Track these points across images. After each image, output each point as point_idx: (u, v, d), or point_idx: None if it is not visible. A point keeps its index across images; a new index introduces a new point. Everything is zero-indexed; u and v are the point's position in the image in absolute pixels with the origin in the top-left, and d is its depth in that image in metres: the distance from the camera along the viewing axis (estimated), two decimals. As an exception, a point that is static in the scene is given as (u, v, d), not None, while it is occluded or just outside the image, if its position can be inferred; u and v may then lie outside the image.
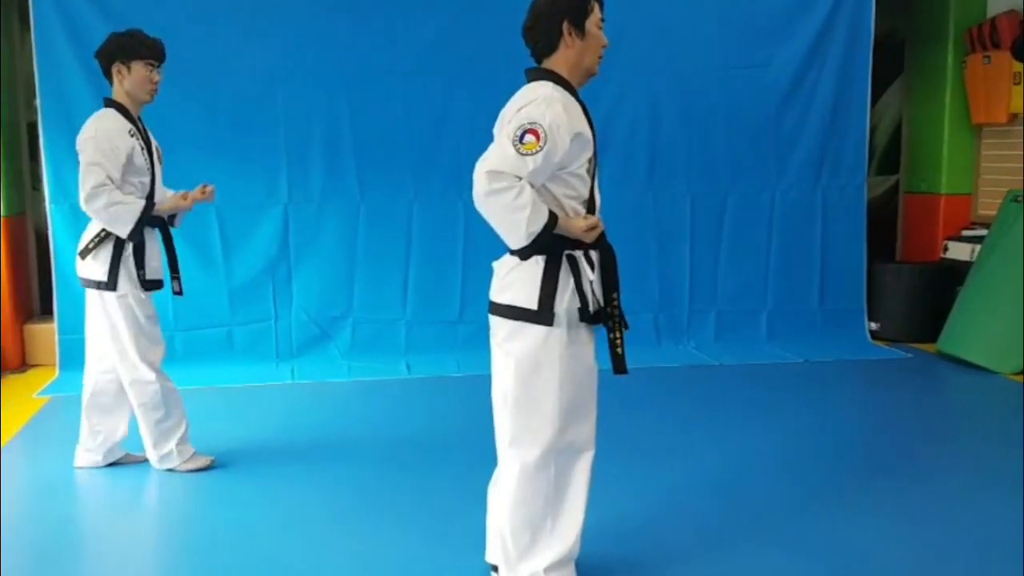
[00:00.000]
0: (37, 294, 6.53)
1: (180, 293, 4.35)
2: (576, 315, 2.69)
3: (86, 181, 3.83)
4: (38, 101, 5.85)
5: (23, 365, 6.17)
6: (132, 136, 3.97)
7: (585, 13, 2.72)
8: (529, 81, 2.77)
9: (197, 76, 5.95)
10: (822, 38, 6.60)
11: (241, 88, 6.05)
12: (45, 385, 5.69)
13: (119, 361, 4.07)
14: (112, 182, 3.85)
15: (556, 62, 2.74)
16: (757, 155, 6.66)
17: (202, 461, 4.22)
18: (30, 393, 5.54)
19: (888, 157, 7.63)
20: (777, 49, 6.57)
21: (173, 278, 4.31)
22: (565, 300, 2.67)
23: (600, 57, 2.78)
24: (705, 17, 6.47)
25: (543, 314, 2.63)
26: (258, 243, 6.19)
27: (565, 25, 2.70)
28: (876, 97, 7.09)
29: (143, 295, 4.07)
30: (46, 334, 6.16)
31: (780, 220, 6.72)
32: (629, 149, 6.44)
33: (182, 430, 4.17)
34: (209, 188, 4.16)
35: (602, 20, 2.77)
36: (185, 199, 4.10)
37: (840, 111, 6.71)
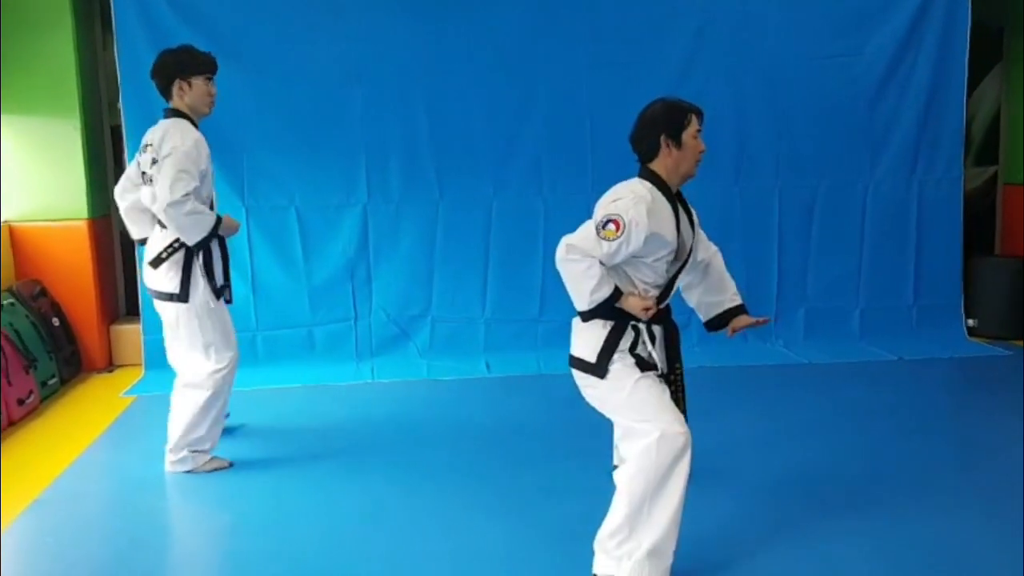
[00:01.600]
0: (123, 295, 6.62)
1: (230, 301, 4.40)
2: (629, 362, 2.99)
3: (175, 187, 3.86)
4: (121, 105, 5.92)
5: (109, 365, 6.24)
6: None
7: (682, 127, 2.99)
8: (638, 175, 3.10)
9: (276, 78, 5.98)
10: (917, 25, 6.33)
11: (320, 89, 6.03)
12: (131, 385, 5.75)
13: (184, 365, 4.17)
14: (194, 192, 3.93)
15: (657, 166, 3.03)
16: (848, 147, 6.42)
17: (218, 463, 4.24)
18: (116, 393, 5.60)
19: (986, 148, 7.30)
20: (869, 37, 6.32)
21: (224, 287, 4.36)
22: (620, 356, 3.00)
23: (698, 162, 3.05)
24: (793, 4, 6.25)
25: (598, 367, 3.00)
26: (338, 243, 6.18)
27: (663, 138, 2.98)
28: (973, 86, 6.79)
29: (213, 303, 4.14)
30: (131, 335, 6.23)
31: (873, 214, 6.47)
32: (714, 142, 6.06)
33: (207, 445, 4.19)
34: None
35: (699, 130, 3.02)
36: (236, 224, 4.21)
37: (936, 101, 6.44)
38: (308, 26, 6.00)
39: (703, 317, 3.44)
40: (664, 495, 2.89)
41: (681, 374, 3.13)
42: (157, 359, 5.87)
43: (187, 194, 3.87)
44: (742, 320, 3.35)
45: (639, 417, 2.94)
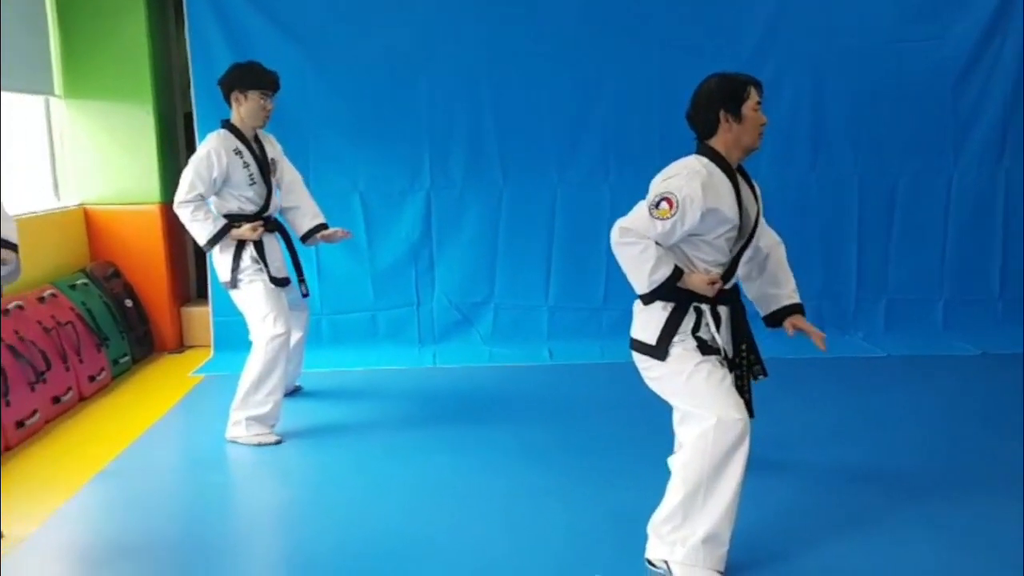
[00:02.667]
0: (194, 278, 6.72)
1: (306, 295, 4.74)
2: (691, 345, 2.92)
3: (178, 192, 4.36)
4: (192, 91, 5.99)
5: (181, 346, 6.34)
6: (237, 154, 4.35)
7: (741, 100, 2.90)
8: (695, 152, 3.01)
9: (342, 64, 6.00)
10: (1003, 7, 6.02)
11: (385, 75, 6.02)
12: (200, 365, 5.83)
13: (255, 329, 4.34)
14: (202, 198, 4.34)
15: (716, 142, 2.95)
16: (932, 135, 6.15)
17: (265, 437, 4.30)
18: (186, 372, 5.68)
19: (1078, 136, 6.94)
20: (953, 20, 6.04)
21: (300, 281, 4.71)
22: (683, 338, 2.93)
23: (760, 135, 2.95)
24: (874, -15, 6.02)
25: (659, 349, 2.94)
26: (401, 229, 6.17)
27: (722, 113, 2.90)
28: (1065, 70, 6.46)
29: (267, 287, 4.36)
30: (202, 316, 6.31)
31: (957, 203, 6.20)
32: (790, 129, 6.05)
33: (262, 411, 4.26)
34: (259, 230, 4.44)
35: (759, 102, 2.93)
36: (254, 231, 4.40)
37: (1024, 86, 6.14)
38: (374, 11, 5.98)
39: (761, 311, 3.31)
40: (720, 483, 2.80)
41: (750, 355, 3.04)
42: (226, 340, 6.00)
43: (184, 201, 4.31)
44: (801, 321, 3.20)
45: (696, 402, 2.86)
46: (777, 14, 5.99)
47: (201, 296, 6.58)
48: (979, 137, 6.16)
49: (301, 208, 4.69)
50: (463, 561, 3.11)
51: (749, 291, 3.33)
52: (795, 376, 5.30)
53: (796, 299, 3.26)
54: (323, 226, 4.68)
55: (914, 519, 3.34)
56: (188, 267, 6.68)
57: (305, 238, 4.70)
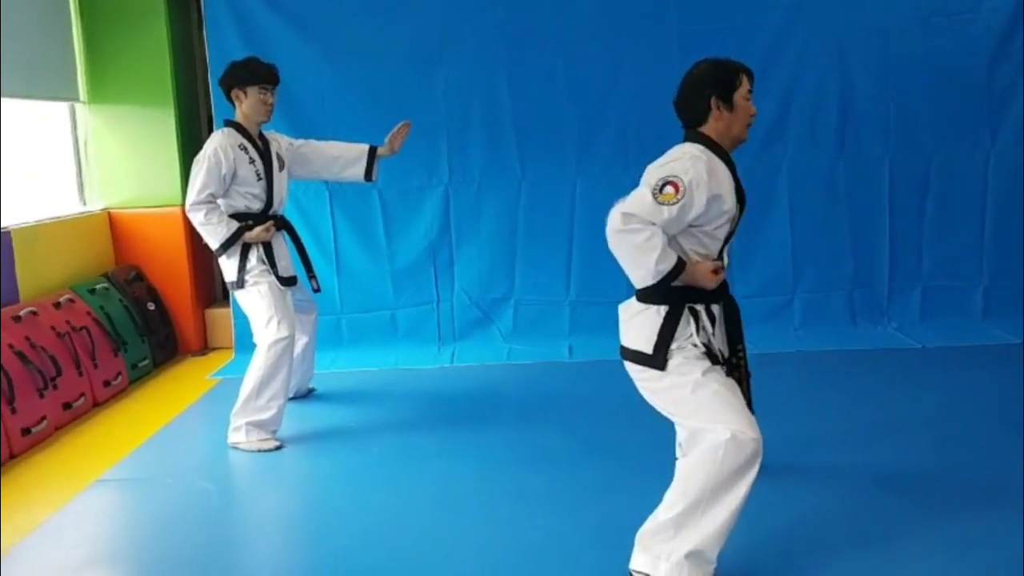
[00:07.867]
0: (218, 280, 6.73)
1: (318, 290, 4.77)
2: (692, 353, 2.74)
3: (190, 194, 4.28)
4: (211, 93, 5.99)
5: (204, 348, 6.37)
6: (242, 150, 4.31)
7: (733, 87, 2.80)
8: (683, 141, 2.87)
9: (359, 61, 5.96)
10: (1038, -22, 5.75)
11: (402, 70, 5.96)
12: (220, 367, 5.83)
13: (258, 332, 4.31)
14: (213, 198, 4.27)
15: (707, 131, 2.83)
16: (966, 114, 5.88)
17: (265, 444, 4.25)
18: (205, 375, 5.68)
19: None
20: (985, -7, 5.76)
21: (310, 277, 4.72)
22: (681, 345, 2.75)
23: (749, 125, 2.85)
24: (903, -42, 5.75)
25: (657, 358, 2.75)
26: (420, 225, 6.11)
27: (713, 100, 2.78)
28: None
29: (272, 288, 4.31)
30: (226, 319, 6.33)
31: (996, 185, 5.90)
32: (816, 110, 5.86)
33: (263, 416, 4.21)
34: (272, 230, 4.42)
35: (750, 91, 2.83)
36: (267, 232, 4.38)
37: (1065, 60, 5.82)
38: (390, 7, 5.94)
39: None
40: (721, 502, 2.62)
41: (744, 357, 2.88)
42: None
43: (197, 202, 4.23)
44: None
45: (706, 416, 2.67)
46: (800, -8, 5.79)
47: (226, 298, 6.58)
48: (1017, 114, 5.86)
49: (341, 158, 4.64)
50: (438, 570, 3.03)
51: None
52: (824, 370, 5.12)
53: None
54: (374, 150, 4.64)
55: (940, 534, 3.07)
56: (212, 269, 6.67)
57: (369, 176, 4.66)
